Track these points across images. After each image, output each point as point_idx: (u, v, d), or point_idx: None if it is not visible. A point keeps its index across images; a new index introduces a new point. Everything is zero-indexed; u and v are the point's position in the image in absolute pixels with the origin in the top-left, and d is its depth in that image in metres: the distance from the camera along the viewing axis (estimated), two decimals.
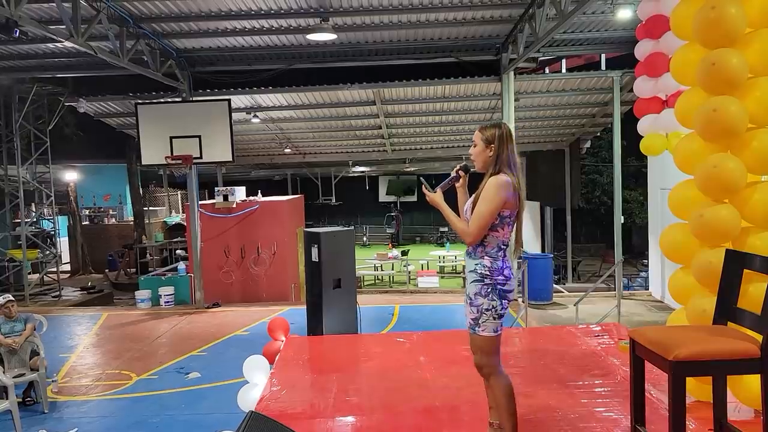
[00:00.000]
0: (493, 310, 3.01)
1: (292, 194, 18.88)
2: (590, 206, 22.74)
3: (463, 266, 16.46)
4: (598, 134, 18.72)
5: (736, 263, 2.91)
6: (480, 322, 3.03)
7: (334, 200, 26.06)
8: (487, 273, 3.02)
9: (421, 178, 3.38)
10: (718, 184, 3.42)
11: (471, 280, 3.08)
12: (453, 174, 3.28)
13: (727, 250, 3.05)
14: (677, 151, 3.89)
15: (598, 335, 5.37)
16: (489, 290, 3.01)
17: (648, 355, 2.79)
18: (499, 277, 3.02)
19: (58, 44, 9.50)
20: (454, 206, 3.27)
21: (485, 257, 3.05)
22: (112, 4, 8.29)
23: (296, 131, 15.71)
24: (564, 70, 14.19)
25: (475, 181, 3.18)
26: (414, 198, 27.73)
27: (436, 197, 3.20)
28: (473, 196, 3.14)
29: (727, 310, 2.91)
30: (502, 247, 3.08)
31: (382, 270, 18.28)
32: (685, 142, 3.82)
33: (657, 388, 3.88)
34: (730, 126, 3.35)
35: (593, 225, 24.04)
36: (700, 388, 3.51)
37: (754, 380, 3.28)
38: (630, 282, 15.42)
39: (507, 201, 3.01)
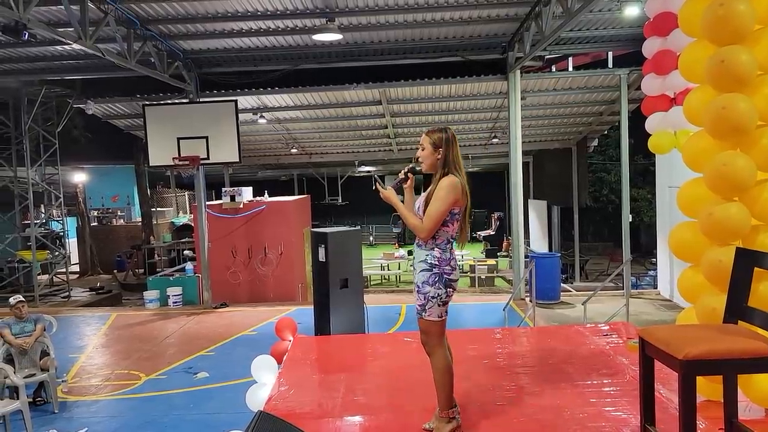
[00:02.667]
0: (438, 297, 3.26)
1: (299, 194, 18.93)
2: (598, 205, 22.66)
3: (471, 265, 16.37)
4: (606, 132, 18.66)
5: (747, 261, 2.89)
6: (426, 308, 3.28)
7: (340, 200, 26.07)
8: (436, 263, 3.27)
9: (375, 175, 3.50)
10: (728, 182, 3.40)
11: (420, 270, 3.31)
12: (401, 176, 3.48)
13: (738, 248, 3.03)
14: (686, 149, 3.87)
15: (607, 334, 5.34)
16: (436, 279, 3.26)
17: (658, 354, 2.77)
18: (446, 267, 3.27)
19: (67, 46, 9.56)
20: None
21: (435, 249, 3.29)
22: (120, 7, 8.34)
23: (302, 131, 15.74)
24: (571, 69, 14.11)
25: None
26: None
27: (389, 194, 3.38)
28: (425, 195, 3.35)
29: (737, 308, 2.89)
30: (450, 240, 3.34)
31: (388, 270, 18.28)
32: (694, 140, 3.80)
33: (666, 387, 3.85)
34: (740, 123, 3.32)
35: (601, 224, 23.96)
36: (711, 387, 3.49)
37: (764, 379, 3.27)
38: (638, 281, 15.35)
39: (457, 200, 3.26)
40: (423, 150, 3.36)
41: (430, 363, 3.37)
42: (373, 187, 3.44)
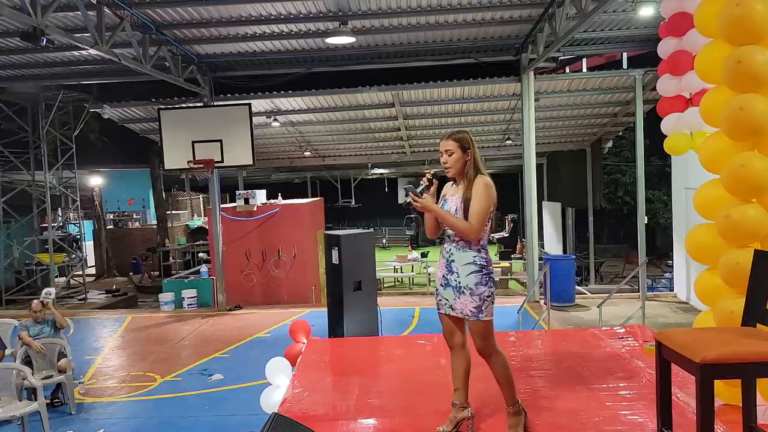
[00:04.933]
0: (491, 296, 3.32)
1: (312, 197, 18.99)
2: (612, 207, 22.48)
3: None
4: (620, 133, 18.52)
5: (765, 264, 2.85)
6: (483, 308, 3.27)
7: (353, 202, 26.12)
8: (485, 263, 3.32)
9: (407, 186, 3.43)
10: (746, 183, 3.36)
11: (469, 272, 3.29)
12: (425, 182, 3.43)
13: (756, 251, 2.99)
14: (702, 150, 3.83)
15: (623, 337, 5.30)
16: (488, 279, 3.31)
17: (675, 358, 2.74)
18: (491, 267, 3.37)
19: (83, 52, 9.69)
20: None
21: (481, 250, 3.34)
22: (135, 12, 8.43)
23: (315, 134, 15.79)
24: (585, 70, 14.05)
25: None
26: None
27: (426, 202, 3.32)
28: (458, 198, 3.33)
29: (756, 311, 2.85)
30: (487, 239, 3.41)
31: (401, 272, 18.26)
32: (711, 141, 3.76)
33: (683, 391, 3.81)
34: (757, 124, 3.29)
35: (616, 225, 23.77)
36: (729, 391, 3.45)
37: None
38: (654, 283, 15.21)
39: (494, 198, 3.33)
40: (451, 155, 3.34)
41: (491, 364, 3.35)
42: (407, 200, 3.36)
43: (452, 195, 3.39)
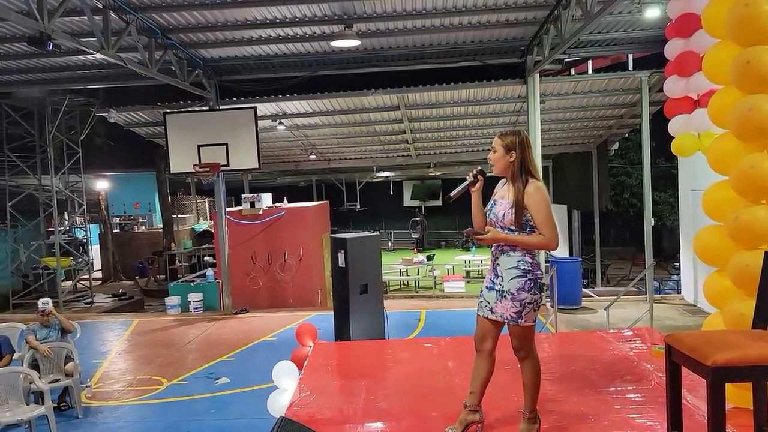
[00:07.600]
0: (534, 303, 3.25)
1: (318, 200, 19.00)
2: (619, 209, 22.39)
3: None
4: (627, 135, 18.44)
5: None
6: (523, 314, 3.24)
7: (358, 206, 26.11)
8: (530, 268, 3.23)
9: (467, 230, 3.33)
10: (755, 184, 3.34)
11: (512, 276, 3.24)
12: (470, 178, 3.38)
13: (766, 253, 2.96)
14: (711, 151, 3.81)
15: (630, 340, 5.27)
16: (532, 285, 3.23)
17: (685, 361, 2.72)
18: (538, 272, 3.27)
19: (89, 56, 9.72)
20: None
21: (527, 254, 3.25)
22: (141, 16, 8.46)
23: (321, 138, 15.80)
24: (590, 71, 13.99)
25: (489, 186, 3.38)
26: (438, 203, 27.65)
27: (495, 234, 3.25)
28: (507, 201, 3.26)
29: (766, 313, 2.83)
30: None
31: (407, 275, 18.23)
32: (719, 143, 3.74)
33: (693, 394, 3.78)
34: (767, 125, 3.26)
35: (622, 228, 23.68)
36: (740, 395, 3.42)
37: None
38: (661, 285, 15.14)
39: (549, 200, 3.27)
40: (495, 152, 3.33)
41: (523, 366, 3.36)
42: (466, 238, 3.37)
43: (501, 198, 3.34)
